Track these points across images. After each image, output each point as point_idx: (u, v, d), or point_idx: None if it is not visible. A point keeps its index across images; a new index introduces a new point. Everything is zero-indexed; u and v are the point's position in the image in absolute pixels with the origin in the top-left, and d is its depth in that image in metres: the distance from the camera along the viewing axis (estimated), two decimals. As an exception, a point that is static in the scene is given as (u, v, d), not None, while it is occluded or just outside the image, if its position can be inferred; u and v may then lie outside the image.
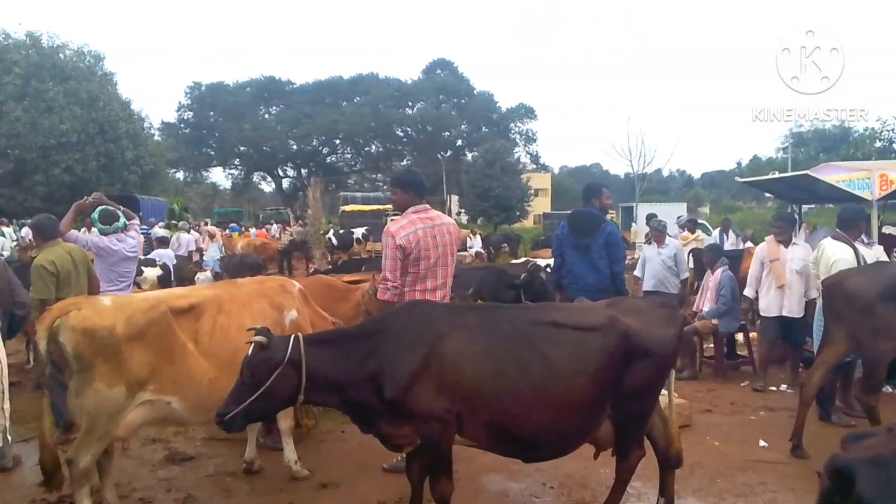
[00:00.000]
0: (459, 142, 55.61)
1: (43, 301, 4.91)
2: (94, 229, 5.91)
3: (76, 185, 28.58)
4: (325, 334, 3.74)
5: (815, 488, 2.23)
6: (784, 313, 6.71)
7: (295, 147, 56.64)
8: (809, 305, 6.68)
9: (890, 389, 6.40)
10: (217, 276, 11.20)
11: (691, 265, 9.88)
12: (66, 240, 5.56)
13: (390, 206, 22.23)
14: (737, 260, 9.26)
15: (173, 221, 25.96)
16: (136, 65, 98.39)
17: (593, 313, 3.59)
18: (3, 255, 13.56)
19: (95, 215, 5.86)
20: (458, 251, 5.96)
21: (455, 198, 46.38)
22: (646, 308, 3.78)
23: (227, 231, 25.47)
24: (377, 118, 53.21)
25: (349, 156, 60.26)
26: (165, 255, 11.85)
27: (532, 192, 41.38)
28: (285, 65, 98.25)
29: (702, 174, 76.52)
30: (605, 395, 3.41)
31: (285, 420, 4.52)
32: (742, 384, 7.19)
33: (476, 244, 22.13)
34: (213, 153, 57.03)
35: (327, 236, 22.05)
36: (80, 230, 8.24)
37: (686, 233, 12.98)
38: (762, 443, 5.27)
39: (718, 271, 7.56)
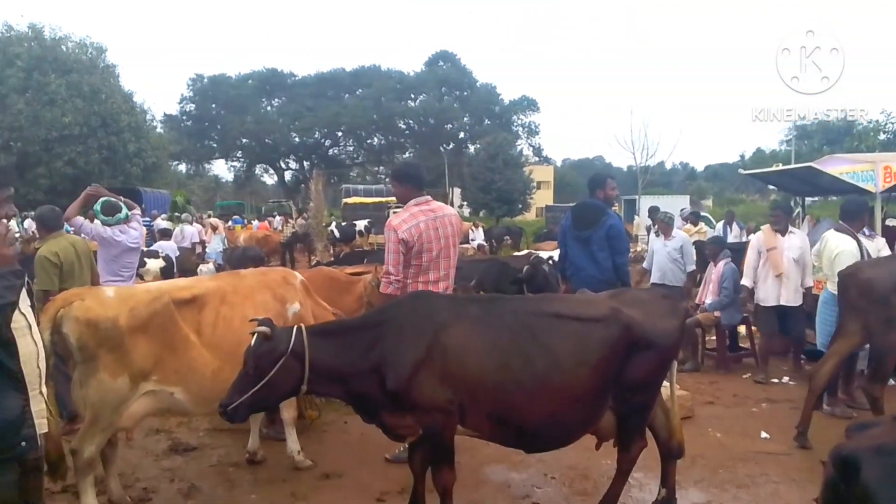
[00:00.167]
0: (462, 134, 55.56)
1: (46, 292, 4.92)
2: (96, 220, 5.92)
3: (79, 177, 28.63)
4: (327, 325, 3.74)
5: (817, 479, 2.23)
6: (782, 302, 6.73)
7: (297, 139, 56.59)
8: (808, 295, 6.69)
9: (894, 382, 6.39)
10: (220, 269, 11.21)
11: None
12: (70, 226, 5.57)
13: (392, 198, 22.27)
14: (740, 252, 9.23)
15: (176, 214, 25.97)
16: (138, 57, 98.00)
17: (596, 305, 3.58)
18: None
19: (97, 206, 5.86)
20: (461, 244, 5.96)
21: (457, 190, 46.31)
22: (648, 300, 3.78)
23: (230, 223, 25.47)
24: (379, 111, 53.12)
25: (351, 148, 60.27)
26: (168, 247, 11.88)
27: (534, 184, 41.30)
28: (287, 57, 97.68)
29: (705, 167, 76.33)
30: (607, 386, 3.41)
31: (288, 410, 4.54)
32: (744, 376, 7.19)
33: (478, 237, 22.13)
34: (215, 146, 57.02)
35: (329, 229, 22.07)
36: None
37: (689, 225, 12.97)
38: (764, 434, 5.27)
39: (721, 263, 7.57)
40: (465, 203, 42.92)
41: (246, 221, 29.77)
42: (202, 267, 11.74)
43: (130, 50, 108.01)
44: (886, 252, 6.15)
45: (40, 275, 5.10)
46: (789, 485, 4.33)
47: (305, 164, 58.09)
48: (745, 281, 7.08)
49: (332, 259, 14.61)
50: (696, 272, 8.75)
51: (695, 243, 10.76)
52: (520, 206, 38.96)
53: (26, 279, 2.47)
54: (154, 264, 10.21)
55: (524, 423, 3.36)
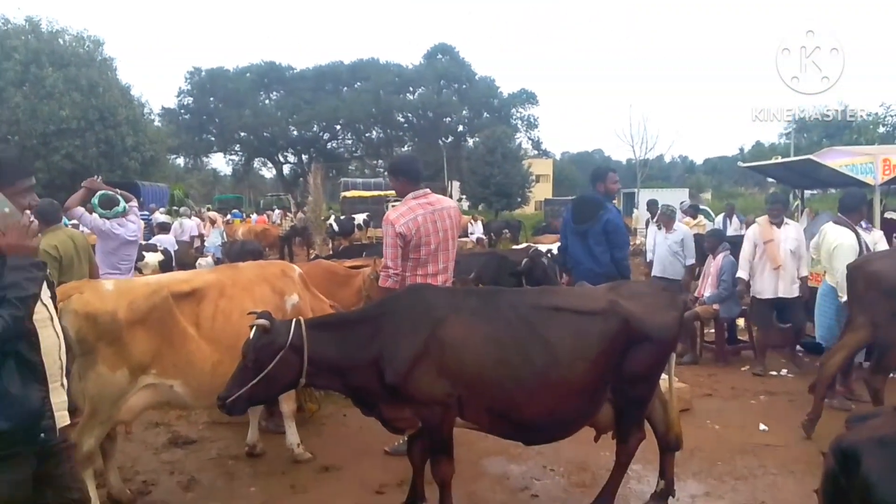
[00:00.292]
0: (460, 128, 55.34)
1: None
2: (94, 214, 5.92)
3: (76, 171, 28.47)
4: (326, 318, 3.74)
5: (815, 471, 2.24)
6: (780, 294, 6.75)
7: (295, 133, 56.40)
8: (805, 286, 6.70)
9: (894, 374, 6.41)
10: (218, 262, 11.21)
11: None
12: (70, 217, 5.55)
13: (391, 192, 22.19)
14: (739, 245, 9.23)
15: (174, 207, 25.94)
16: (135, 50, 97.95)
17: (594, 298, 3.59)
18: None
19: (95, 200, 5.86)
20: (460, 237, 5.96)
21: (456, 184, 46.20)
22: (647, 292, 3.78)
23: (229, 217, 25.45)
24: (378, 104, 52.92)
25: (350, 142, 60.03)
26: (166, 241, 11.87)
27: (533, 178, 41.19)
28: (286, 50, 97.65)
29: (704, 160, 76.12)
30: (606, 378, 3.41)
31: (287, 403, 4.55)
32: (742, 369, 7.20)
33: (477, 230, 22.13)
34: (213, 139, 56.78)
35: (328, 222, 22.04)
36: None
37: (688, 218, 12.96)
38: (762, 426, 5.28)
39: (720, 256, 7.57)
40: (463, 196, 42.83)
41: (244, 215, 29.77)
42: (201, 261, 11.73)
43: (128, 43, 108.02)
44: (883, 245, 6.15)
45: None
46: (787, 476, 4.35)
47: (304, 157, 57.90)
48: (741, 273, 7.09)
49: (331, 252, 14.62)
50: (695, 265, 8.75)
51: (693, 236, 10.79)
52: (518, 199, 38.88)
53: (48, 271, 2.47)
54: (152, 258, 10.19)
55: (523, 415, 3.37)
